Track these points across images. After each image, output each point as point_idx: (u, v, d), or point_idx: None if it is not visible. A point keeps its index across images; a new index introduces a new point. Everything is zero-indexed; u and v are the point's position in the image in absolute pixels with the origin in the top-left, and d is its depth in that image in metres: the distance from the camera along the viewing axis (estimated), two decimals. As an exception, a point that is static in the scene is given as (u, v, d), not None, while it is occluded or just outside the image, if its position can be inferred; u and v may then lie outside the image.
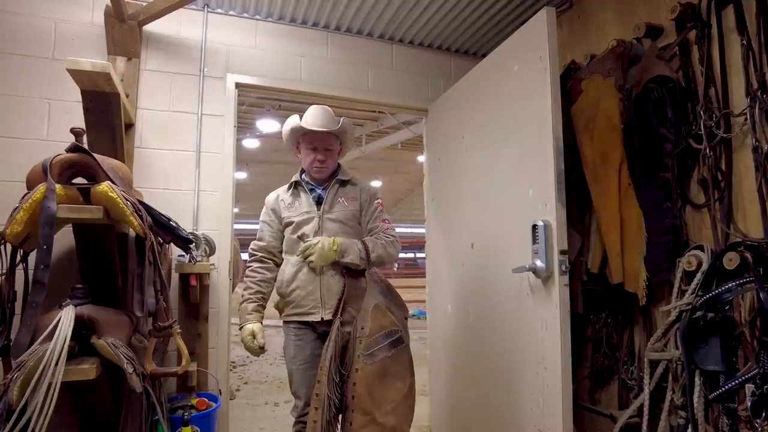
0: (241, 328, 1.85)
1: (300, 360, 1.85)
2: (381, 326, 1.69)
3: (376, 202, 1.99)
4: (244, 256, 2.37)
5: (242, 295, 1.91)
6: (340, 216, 1.90)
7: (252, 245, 2.00)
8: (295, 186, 1.99)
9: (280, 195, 2.00)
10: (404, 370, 1.69)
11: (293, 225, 1.91)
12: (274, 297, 1.98)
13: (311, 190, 1.97)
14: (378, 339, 1.66)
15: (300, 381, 1.84)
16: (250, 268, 1.95)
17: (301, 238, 1.85)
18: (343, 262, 1.80)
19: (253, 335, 1.81)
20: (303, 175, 2.01)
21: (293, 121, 1.92)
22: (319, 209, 1.90)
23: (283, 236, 1.96)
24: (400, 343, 1.71)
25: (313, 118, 1.90)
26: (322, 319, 1.81)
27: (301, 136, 1.94)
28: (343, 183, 1.99)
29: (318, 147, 1.91)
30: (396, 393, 1.63)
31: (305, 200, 1.94)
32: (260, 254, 1.97)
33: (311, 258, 1.78)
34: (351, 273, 1.84)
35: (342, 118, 1.94)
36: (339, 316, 1.76)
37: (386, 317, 1.71)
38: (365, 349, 1.64)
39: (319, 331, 1.86)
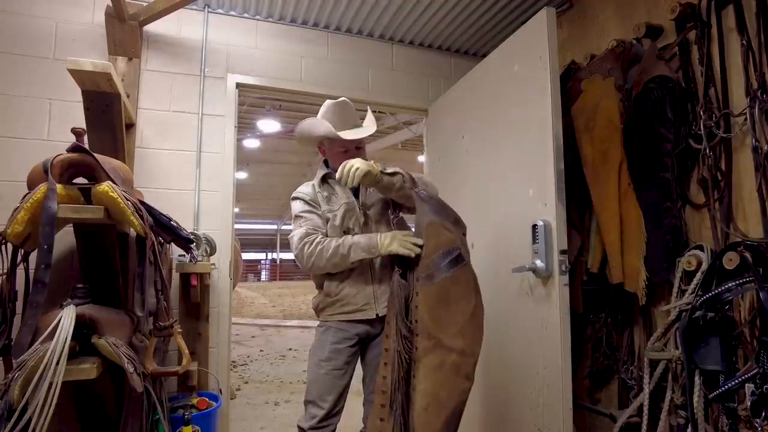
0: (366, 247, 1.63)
1: (333, 365, 1.71)
2: (437, 245, 1.53)
3: None
4: (245, 256, 2.36)
5: (326, 250, 1.68)
6: (379, 207, 1.84)
7: (306, 230, 1.73)
8: (325, 180, 1.86)
9: (316, 188, 1.85)
10: (467, 289, 1.54)
11: (335, 218, 1.78)
12: (311, 294, 1.80)
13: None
14: (435, 259, 1.51)
15: (326, 388, 1.70)
16: (316, 242, 1.70)
17: (347, 232, 1.75)
18: (386, 179, 1.61)
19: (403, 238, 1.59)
20: (330, 168, 1.88)
21: (323, 127, 1.77)
22: (357, 200, 1.81)
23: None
24: (461, 261, 1.53)
25: (342, 121, 1.79)
26: (377, 315, 1.71)
27: (330, 138, 1.81)
28: None
29: (350, 148, 1.81)
30: (461, 315, 1.49)
31: (341, 192, 1.81)
32: (320, 235, 1.74)
33: (352, 162, 1.57)
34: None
35: (368, 114, 1.83)
36: (396, 266, 1.59)
37: (442, 235, 1.54)
38: (423, 270, 1.50)
39: (362, 334, 1.75)
